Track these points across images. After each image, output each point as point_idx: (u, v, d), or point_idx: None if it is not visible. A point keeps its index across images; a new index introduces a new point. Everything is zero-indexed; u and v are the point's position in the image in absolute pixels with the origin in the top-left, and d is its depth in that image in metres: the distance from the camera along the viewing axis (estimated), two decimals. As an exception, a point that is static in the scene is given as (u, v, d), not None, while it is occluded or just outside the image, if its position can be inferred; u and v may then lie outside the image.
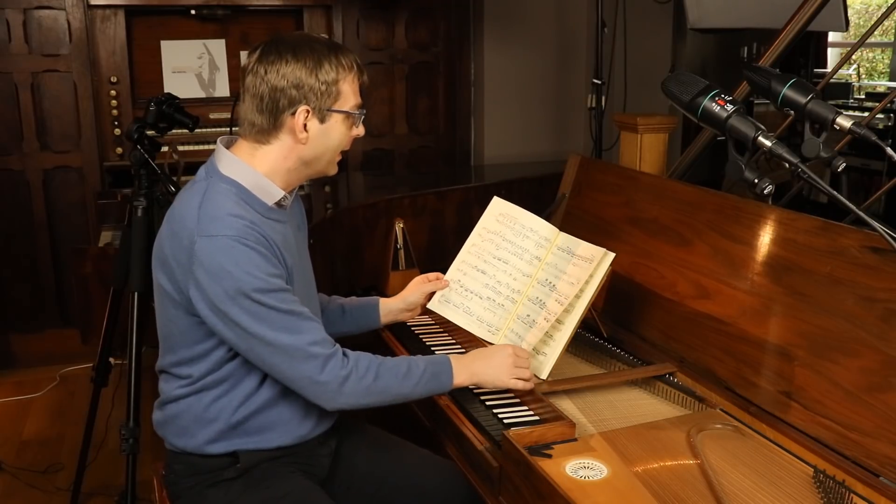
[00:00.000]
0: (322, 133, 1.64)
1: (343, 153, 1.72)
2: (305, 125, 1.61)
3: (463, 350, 2.12)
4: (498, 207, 2.07)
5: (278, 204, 1.67)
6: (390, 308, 2.01)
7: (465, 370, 1.73)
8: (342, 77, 1.63)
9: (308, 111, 1.61)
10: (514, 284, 1.96)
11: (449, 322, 2.01)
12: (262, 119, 1.61)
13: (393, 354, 2.09)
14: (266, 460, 1.68)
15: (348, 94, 1.65)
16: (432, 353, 2.11)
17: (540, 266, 1.96)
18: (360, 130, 1.71)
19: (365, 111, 1.70)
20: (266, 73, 1.59)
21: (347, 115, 1.65)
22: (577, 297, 1.91)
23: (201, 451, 1.68)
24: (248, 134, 1.64)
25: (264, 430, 1.68)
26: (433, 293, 2.00)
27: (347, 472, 1.82)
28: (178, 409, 1.69)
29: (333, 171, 1.73)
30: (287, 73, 1.58)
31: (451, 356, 1.75)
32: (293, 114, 1.60)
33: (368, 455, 1.84)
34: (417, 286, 2.01)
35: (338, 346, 1.63)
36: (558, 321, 1.91)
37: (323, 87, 1.60)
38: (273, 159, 1.64)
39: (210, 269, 1.52)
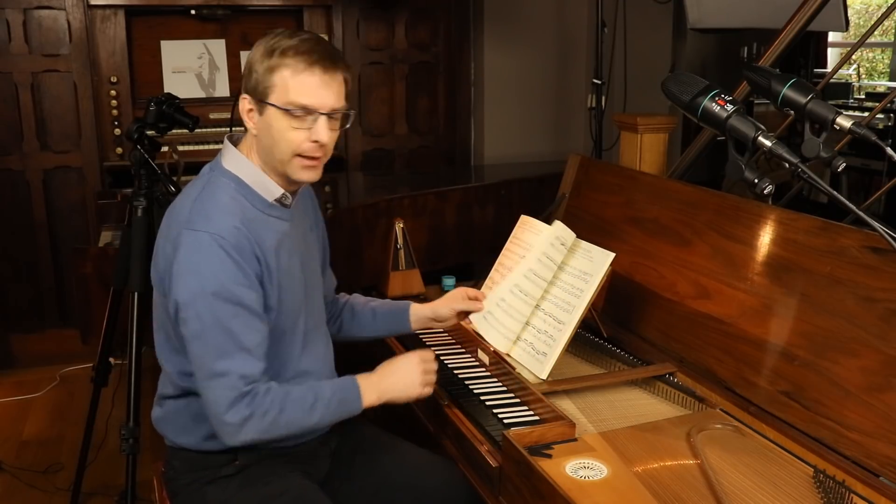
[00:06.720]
0: (265, 126, 1.60)
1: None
2: (251, 113, 1.61)
3: (461, 348, 2.12)
4: (556, 231, 1.99)
5: (280, 202, 1.67)
6: (419, 315, 1.97)
7: (375, 389, 1.68)
8: (285, 68, 1.55)
9: (247, 98, 1.61)
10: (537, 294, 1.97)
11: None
12: None
13: (391, 353, 2.09)
14: (264, 458, 1.68)
15: (286, 89, 1.56)
16: (439, 360, 2.09)
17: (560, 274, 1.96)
18: (312, 134, 1.58)
19: (303, 112, 1.56)
20: None
21: (278, 109, 1.57)
22: (577, 296, 1.91)
23: (200, 447, 1.68)
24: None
25: None
26: (466, 311, 1.99)
27: (347, 472, 1.82)
28: (177, 406, 1.70)
29: (299, 175, 1.62)
30: (248, 57, 1.60)
31: (359, 376, 1.69)
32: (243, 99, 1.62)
33: (368, 454, 1.84)
34: (452, 301, 1.97)
35: (256, 384, 1.56)
36: (558, 321, 1.92)
37: (259, 76, 1.58)
38: (254, 150, 1.65)
39: (183, 264, 1.54)
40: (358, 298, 2.01)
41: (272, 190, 1.65)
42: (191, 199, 1.61)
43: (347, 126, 1.68)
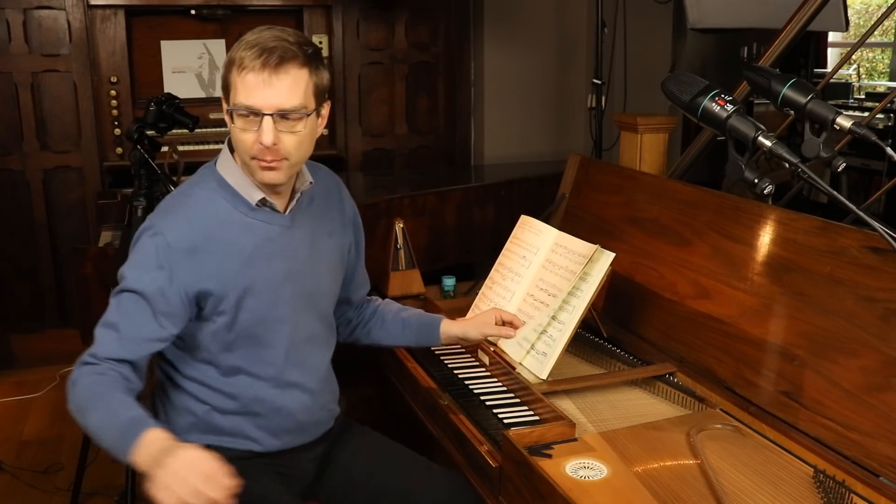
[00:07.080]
0: (232, 126, 1.56)
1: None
2: (226, 113, 1.56)
3: (461, 348, 2.12)
4: (551, 237, 2.00)
5: (269, 206, 1.64)
6: (449, 333, 1.92)
7: (153, 456, 1.36)
8: (234, 66, 1.51)
9: (222, 97, 1.59)
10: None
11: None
12: None
13: (400, 363, 2.08)
14: (243, 458, 1.64)
15: (235, 88, 1.51)
16: (439, 360, 2.09)
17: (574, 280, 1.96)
18: (256, 135, 1.51)
19: (247, 112, 1.49)
20: None
21: (230, 110, 1.53)
22: (577, 297, 1.91)
23: (179, 438, 1.67)
24: None
25: (236, 434, 1.68)
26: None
27: (343, 478, 1.78)
28: (160, 395, 1.73)
29: (260, 177, 1.57)
30: None
31: (161, 436, 1.40)
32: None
33: (367, 461, 1.80)
34: (484, 326, 1.90)
35: (100, 363, 1.52)
36: (559, 321, 1.92)
37: (222, 74, 1.56)
38: None
39: (131, 243, 1.61)
40: (390, 306, 1.97)
41: (253, 193, 1.62)
42: (171, 194, 1.68)
43: (302, 130, 1.54)
